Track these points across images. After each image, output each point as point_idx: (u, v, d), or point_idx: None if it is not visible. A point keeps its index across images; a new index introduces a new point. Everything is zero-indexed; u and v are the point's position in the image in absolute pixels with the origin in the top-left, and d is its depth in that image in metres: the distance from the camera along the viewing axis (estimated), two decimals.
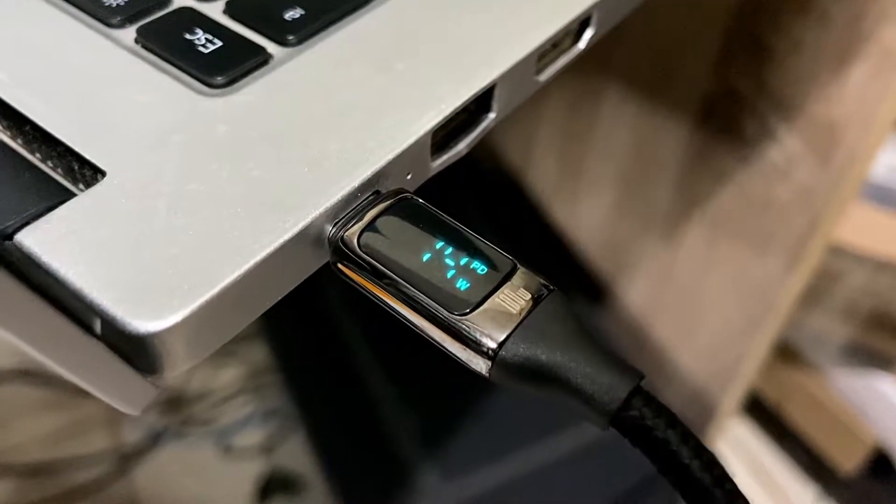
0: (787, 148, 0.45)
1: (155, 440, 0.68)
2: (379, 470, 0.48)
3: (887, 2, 0.36)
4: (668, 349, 0.61)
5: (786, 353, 0.68)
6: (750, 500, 0.10)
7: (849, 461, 0.67)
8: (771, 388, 0.71)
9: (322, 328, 0.54)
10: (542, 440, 0.49)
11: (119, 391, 0.11)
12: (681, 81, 0.50)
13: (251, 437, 0.69)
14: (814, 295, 0.63)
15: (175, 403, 0.71)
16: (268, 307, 0.14)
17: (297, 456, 0.64)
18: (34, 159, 0.14)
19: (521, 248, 0.63)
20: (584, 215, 0.64)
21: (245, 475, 0.65)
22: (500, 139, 0.70)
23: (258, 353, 0.73)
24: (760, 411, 0.73)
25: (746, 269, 0.51)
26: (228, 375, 0.73)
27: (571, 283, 0.64)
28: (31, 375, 0.67)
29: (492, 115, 0.17)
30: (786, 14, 0.41)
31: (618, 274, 0.63)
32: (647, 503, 0.47)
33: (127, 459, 0.66)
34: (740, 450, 0.72)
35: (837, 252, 0.59)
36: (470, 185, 0.63)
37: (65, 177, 0.14)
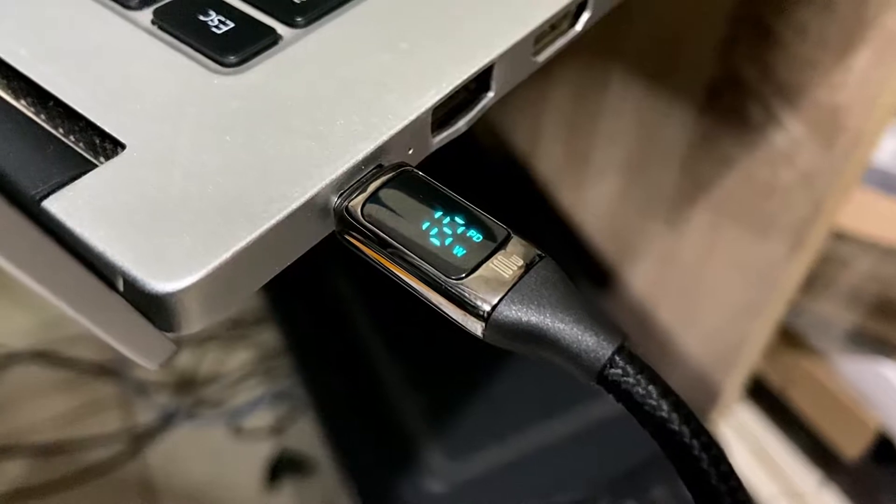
0: (791, 133, 0.45)
1: (167, 421, 0.68)
2: (386, 450, 0.48)
3: None
4: (673, 332, 0.61)
5: (790, 338, 0.68)
6: (721, 447, 0.11)
7: (853, 446, 0.66)
8: (775, 373, 0.70)
9: (331, 313, 0.54)
10: (544, 421, 0.49)
11: (139, 345, 0.12)
12: (685, 68, 0.50)
13: (261, 418, 0.69)
14: (819, 281, 0.63)
15: (187, 385, 0.71)
16: (276, 272, 0.14)
17: (306, 437, 0.64)
18: (57, 134, 0.15)
19: (529, 234, 0.62)
20: (590, 201, 0.64)
21: (255, 456, 0.65)
22: (508, 127, 0.70)
23: (268, 337, 0.73)
24: (765, 396, 0.72)
25: (749, 252, 0.51)
26: (239, 358, 0.73)
27: (578, 268, 0.64)
28: (45, 357, 0.68)
29: (490, 94, 0.18)
30: (791, 0, 0.41)
31: (623, 258, 0.63)
32: (647, 483, 0.48)
33: (139, 440, 0.66)
34: (745, 434, 0.72)
35: (843, 238, 0.59)
36: (478, 171, 0.64)
37: (87, 150, 0.15)
